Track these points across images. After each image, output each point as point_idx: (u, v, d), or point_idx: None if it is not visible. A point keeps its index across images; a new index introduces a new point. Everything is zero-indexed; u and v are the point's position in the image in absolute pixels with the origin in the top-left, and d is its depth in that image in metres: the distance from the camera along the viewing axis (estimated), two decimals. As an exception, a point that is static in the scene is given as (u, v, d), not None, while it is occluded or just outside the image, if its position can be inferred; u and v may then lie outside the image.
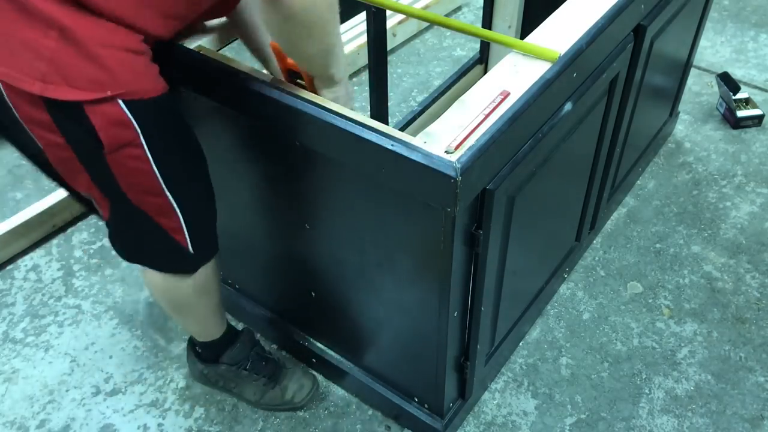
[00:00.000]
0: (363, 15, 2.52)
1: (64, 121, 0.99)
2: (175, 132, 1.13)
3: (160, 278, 1.30)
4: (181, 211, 1.16)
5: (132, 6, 0.96)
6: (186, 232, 1.19)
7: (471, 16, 2.90)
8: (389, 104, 1.96)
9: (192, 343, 1.58)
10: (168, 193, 1.12)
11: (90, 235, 2.02)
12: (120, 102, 0.99)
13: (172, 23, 1.05)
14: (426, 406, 1.49)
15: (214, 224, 1.27)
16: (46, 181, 1.50)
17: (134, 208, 1.13)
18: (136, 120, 1.02)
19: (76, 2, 0.91)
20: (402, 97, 2.49)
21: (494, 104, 1.07)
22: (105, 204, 1.16)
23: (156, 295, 1.38)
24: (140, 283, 1.87)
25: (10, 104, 1.00)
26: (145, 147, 1.05)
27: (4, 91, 0.99)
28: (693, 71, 2.45)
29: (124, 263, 1.90)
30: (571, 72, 1.17)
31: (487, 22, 2.14)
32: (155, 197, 1.12)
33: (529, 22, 2.11)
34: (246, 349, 1.55)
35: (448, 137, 1.01)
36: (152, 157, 1.06)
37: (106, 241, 1.75)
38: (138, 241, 1.24)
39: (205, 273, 1.32)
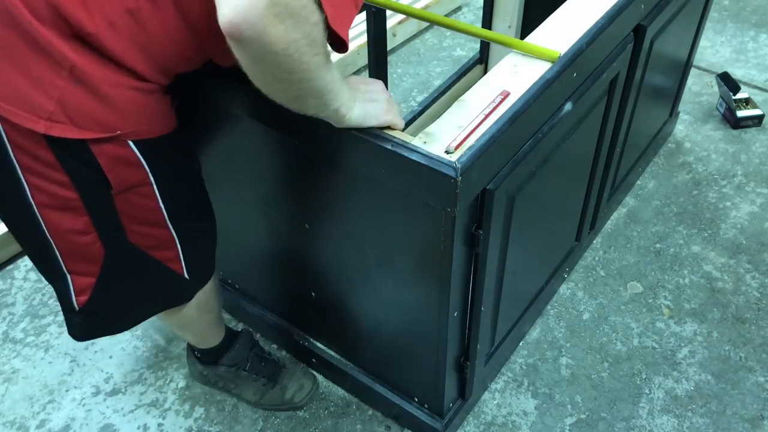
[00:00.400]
0: (363, 15, 2.52)
1: (69, 161, 0.96)
2: (182, 168, 1.12)
3: None
4: (180, 242, 1.14)
5: (133, 50, 0.92)
6: (182, 261, 1.17)
7: (471, 16, 2.90)
8: (389, 104, 1.96)
9: (192, 346, 1.57)
10: (170, 226, 1.11)
11: (90, 235, 2.02)
12: (130, 142, 0.97)
13: (165, 74, 0.99)
14: (426, 406, 1.48)
15: (212, 252, 1.27)
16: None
17: (129, 248, 1.09)
18: (145, 159, 1.00)
19: (85, 42, 0.89)
20: (402, 97, 2.49)
21: (494, 104, 1.07)
22: (92, 266, 1.10)
23: (158, 316, 1.37)
24: (140, 283, 1.87)
25: (5, 140, 0.94)
26: (154, 185, 1.04)
27: (2, 128, 0.93)
28: (693, 71, 2.45)
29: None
30: (571, 72, 1.17)
31: (487, 22, 2.14)
32: (156, 229, 1.10)
33: (529, 22, 2.11)
34: (245, 351, 1.55)
35: (448, 137, 1.01)
36: (159, 194, 1.05)
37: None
38: (128, 297, 1.19)
39: (206, 291, 1.31)
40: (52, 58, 0.88)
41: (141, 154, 0.99)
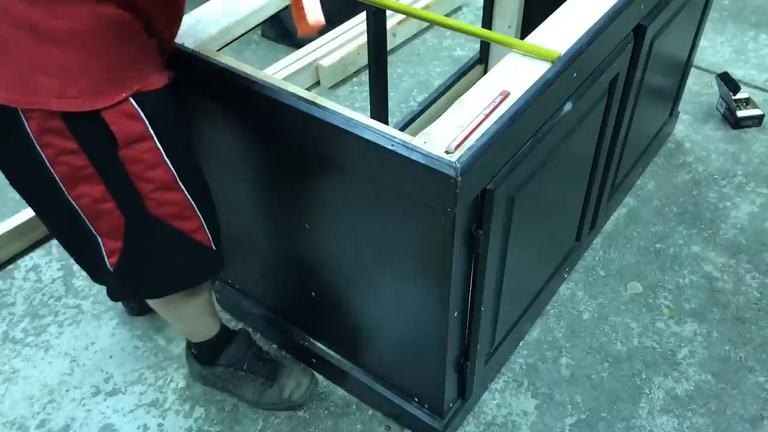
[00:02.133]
0: (363, 15, 2.52)
1: (78, 123, 0.99)
2: (178, 122, 1.13)
3: None
4: (197, 207, 1.15)
5: None
6: (207, 229, 1.19)
7: (471, 16, 2.90)
8: (389, 104, 1.96)
9: (189, 345, 1.58)
10: (182, 186, 1.12)
11: (90, 235, 2.02)
12: (129, 97, 1.00)
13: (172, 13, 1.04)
14: (426, 406, 1.49)
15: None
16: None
17: (151, 220, 1.11)
18: (143, 111, 1.02)
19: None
20: (402, 97, 2.49)
21: (494, 104, 1.07)
22: (117, 231, 1.13)
23: (153, 305, 1.38)
24: (140, 283, 1.87)
25: (23, 120, 0.98)
26: (155, 138, 1.05)
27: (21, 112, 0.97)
28: (693, 71, 2.45)
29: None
30: (571, 72, 1.17)
31: (487, 22, 2.14)
32: (171, 193, 1.11)
33: (529, 22, 2.11)
34: (242, 350, 1.55)
35: (448, 137, 1.01)
36: (162, 148, 1.07)
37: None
38: (157, 265, 1.21)
39: None
40: (47, 38, 0.91)
41: (139, 107, 1.02)
